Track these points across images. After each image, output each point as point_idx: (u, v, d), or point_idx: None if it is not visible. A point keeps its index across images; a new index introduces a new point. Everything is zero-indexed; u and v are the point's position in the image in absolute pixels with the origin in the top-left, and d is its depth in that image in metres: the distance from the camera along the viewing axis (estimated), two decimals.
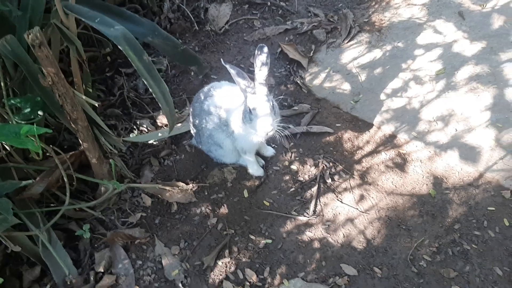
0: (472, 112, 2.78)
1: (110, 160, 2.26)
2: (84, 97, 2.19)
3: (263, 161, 2.70)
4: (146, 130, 2.86)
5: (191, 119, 2.57)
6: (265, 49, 2.16)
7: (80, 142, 2.33)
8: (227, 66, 2.17)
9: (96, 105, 2.18)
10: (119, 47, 2.08)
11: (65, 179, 2.27)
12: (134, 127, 2.87)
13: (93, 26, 2.11)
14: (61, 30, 2.18)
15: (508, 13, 3.25)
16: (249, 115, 2.17)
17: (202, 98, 2.46)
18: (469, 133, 2.69)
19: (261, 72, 2.15)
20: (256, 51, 2.18)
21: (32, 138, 1.91)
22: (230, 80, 2.30)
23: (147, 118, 2.93)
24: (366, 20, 3.50)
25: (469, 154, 2.62)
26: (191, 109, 2.55)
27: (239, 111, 2.31)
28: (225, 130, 2.45)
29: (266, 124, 2.14)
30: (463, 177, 2.54)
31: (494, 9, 3.32)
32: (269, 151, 2.74)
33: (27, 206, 2.30)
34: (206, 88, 2.51)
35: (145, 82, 2.17)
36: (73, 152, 2.44)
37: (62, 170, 2.27)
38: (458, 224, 2.36)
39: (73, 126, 2.25)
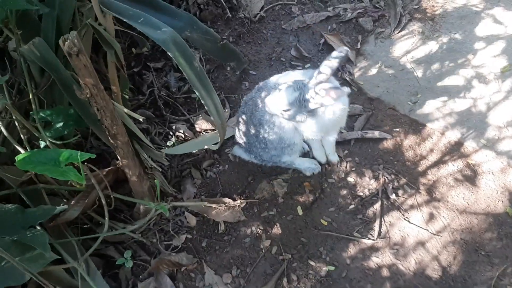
0: None
1: (155, 181, 1.96)
2: (126, 110, 1.88)
3: (319, 167, 2.42)
4: (183, 136, 2.55)
5: (242, 128, 2.25)
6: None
7: (119, 158, 2.04)
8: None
9: (141, 119, 1.87)
10: (168, 53, 1.78)
11: (103, 201, 2.00)
12: (170, 132, 2.56)
13: (137, 27, 1.78)
14: (97, 31, 1.84)
15: None
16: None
17: (260, 104, 2.13)
18: None
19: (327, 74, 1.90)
20: (336, 53, 1.90)
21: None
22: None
23: (183, 122, 2.61)
24: (416, 6, 3.16)
25: None
26: (243, 117, 2.23)
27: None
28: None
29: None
30: None
31: None
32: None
33: (61, 233, 2.02)
34: (263, 93, 2.17)
35: (196, 93, 1.88)
36: (109, 168, 2.13)
37: (100, 191, 1.99)
38: None
39: (112, 141, 1.96)
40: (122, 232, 2.10)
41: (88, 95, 1.72)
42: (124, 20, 1.78)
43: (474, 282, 2.06)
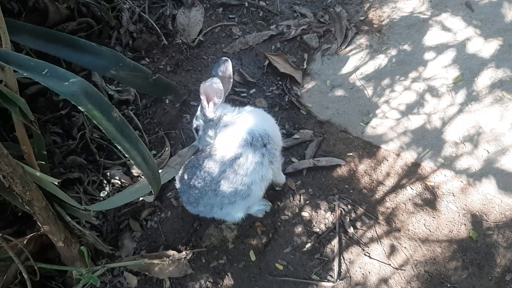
0: (502, 128, 2.40)
1: (81, 248, 1.73)
2: (39, 173, 1.64)
3: (270, 204, 2.24)
4: (119, 183, 2.32)
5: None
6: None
7: (40, 225, 1.80)
8: None
9: (56, 183, 1.64)
10: (79, 107, 1.55)
11: (25, 275, 1.75)
12: (104, 180, 2.32)
13: (40, 81, 1.55)
14: None
15: None
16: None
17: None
18: (503, 155, 2.31)
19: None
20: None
21: None
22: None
23: (119, 166, 2.38)
24: (362, 18, 3.03)
25: (508, 181, 2.24)
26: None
27: None
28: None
29: None
30: (505, 211, 2.17)
31: None
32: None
33: None
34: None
35: (118, 147, 1.64)
36: (32, 234, 1.89)
37: (20, 264, 1.75)
38: (510, 274, 1.99)
39: (28, 208, 1.71)
40: None
41: None
42: (25, 75, 1.54)
43: None
